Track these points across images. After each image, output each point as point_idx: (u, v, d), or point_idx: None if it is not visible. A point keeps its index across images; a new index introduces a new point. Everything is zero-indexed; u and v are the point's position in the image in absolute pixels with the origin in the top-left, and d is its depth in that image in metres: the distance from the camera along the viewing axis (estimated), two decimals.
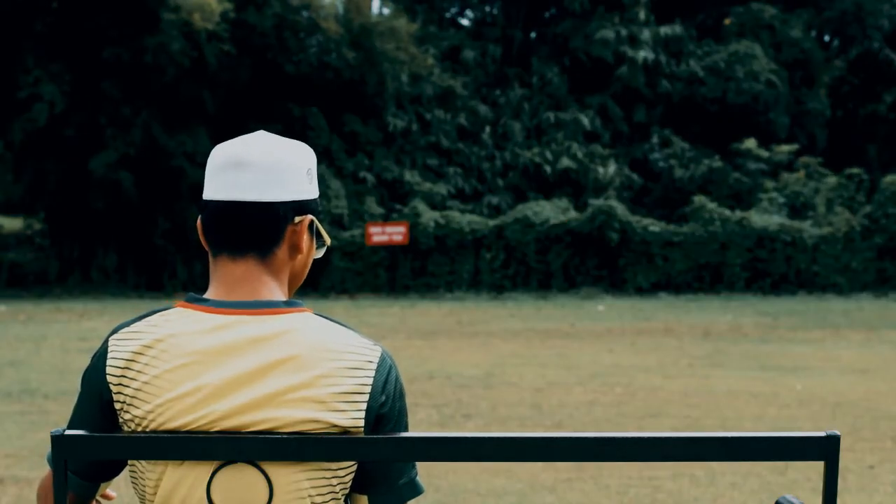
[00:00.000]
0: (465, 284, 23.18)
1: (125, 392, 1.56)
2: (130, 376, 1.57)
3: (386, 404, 1.59)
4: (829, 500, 1.42)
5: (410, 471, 1.65)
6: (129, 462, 1.62)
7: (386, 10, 29.04)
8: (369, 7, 25.45)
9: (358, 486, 1.62)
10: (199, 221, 1.71)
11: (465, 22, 31.39)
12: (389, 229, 22.67)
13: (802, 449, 1.44)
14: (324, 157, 23.81)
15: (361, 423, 1.56)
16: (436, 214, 23.39)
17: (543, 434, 1.49)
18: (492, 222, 23.53)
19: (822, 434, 1.42)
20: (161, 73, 21.53)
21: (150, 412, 1.54)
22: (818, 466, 1.42)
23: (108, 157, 21.52)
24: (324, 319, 1.63)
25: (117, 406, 1.57)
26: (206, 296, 1.65)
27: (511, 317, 17.33)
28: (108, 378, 1.58)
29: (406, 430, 1.64)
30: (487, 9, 31.14)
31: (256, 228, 1.64)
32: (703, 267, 23.10)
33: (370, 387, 1.57)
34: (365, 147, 25.22)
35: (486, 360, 11.25)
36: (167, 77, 21.50)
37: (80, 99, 21.65)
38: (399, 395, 1.64)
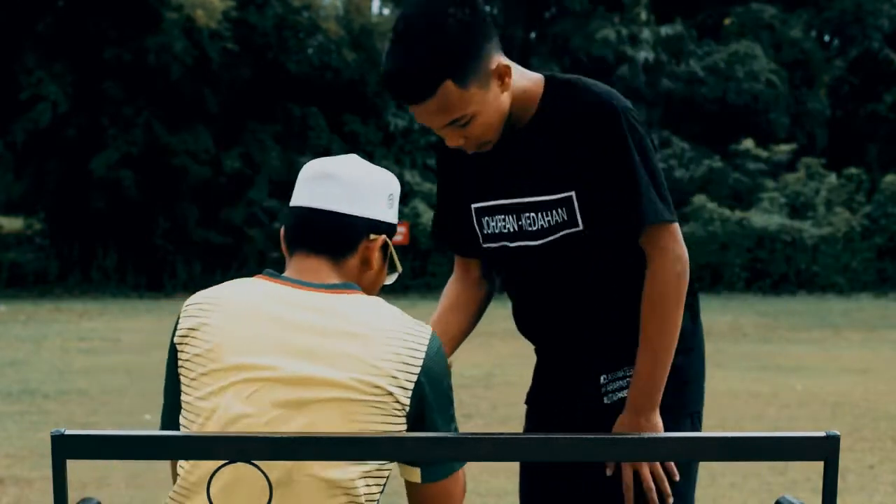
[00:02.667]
0: None
1: (187, 336, 1.71)
2: (195, 323, 1.72)
3: (434, 379, 1.70)
4: (829, 500, 1.43)
5: None
6: (183, 409, 1.72)
7: (386, 11, 29.04)
8: (369, 8, 25.45)
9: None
10: (282, 230, 1.88)
11: None
12: None
13: (802, 449, 1.44)
14: (324, 158, 23.83)
15: (409, 392, 1.66)
16: None
17: (543, 434, 1.50)
18: None
19: (822, 434, 1.42)
20: (164, 72, 21.53)
21: (209, 351, 1.67)
22: (818, 466, 1.42)
23: (110, 156, 21.51)
24: (380, 300, 1.80)
25: (179, 350, 1.72)
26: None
27: (511, 317, 17.33)
28: (177, 328, 1.74)
29: (451, 405, 1.77)
30: (487, 9, 31.01)
31: (333, 234, 1.80)
32: (703, 267, 23.10)
33: (422, 360, 1.69)
34: (365, 147, 25.22)
35: (486, 360, 11.26)
36: (171, 76, 21.49)
37: (82, 99, 21.65)
38: (446, 373, 1.76)
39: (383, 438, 1.52)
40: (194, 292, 1.82)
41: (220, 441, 1.49)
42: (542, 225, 2.20)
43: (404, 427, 1.67)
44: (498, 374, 10.22)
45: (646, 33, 27.78)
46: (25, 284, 22.45)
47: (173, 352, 1.73)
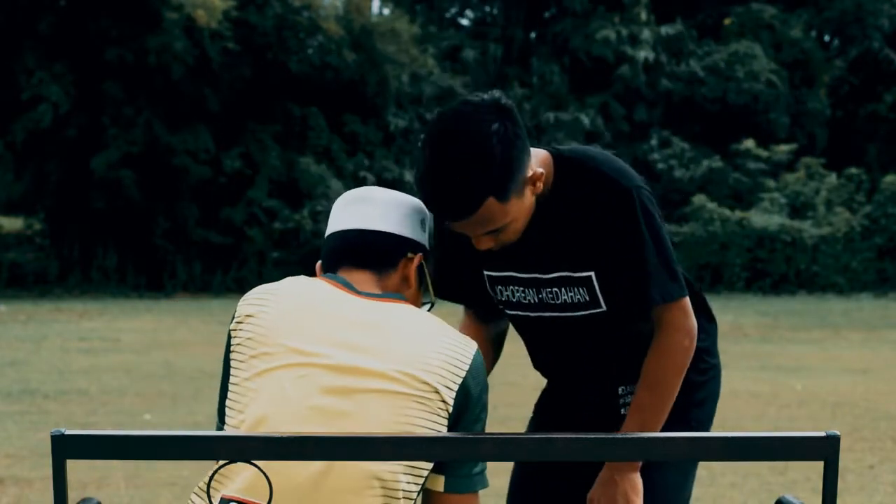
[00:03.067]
0: None
1: (242, 322, 1.77)
2: (252, 310, 1.77)
3: (477, 386, 1.75)
4: (829, 500, 1.43)
5: (483, 463, 1.81)
6: (230, 391, 1.75)
7: (386, 11, 29.04)
8: (369, 8, 25.45)
9: (438, 466, 1.76)
10: (318, 266, 1.93)
11: (465, 22, 31.39)
12: None
13: (802, 449, 1.44)
14: (324, 157, 23.82)
15: (454, 393, 1.70)
16: None
17: (543, 434, 1.50)
18: None
19: (822, 434, 1.42)
20: (164, 72, 21.53)
21: (262, 335, 1.72)
22: (818, 466, 1.43)
23: (110, 156, 21.51)
24: (428, 313, 1.85)
25: (233, 335, 1.77)
26: None
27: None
28: (234, 316, 1.79)
29: (485, 418, 1.81)
30: (487, 9, 31.14)
31: (376, 250, 1.87)
32: (703, 267, 23.09)
33: (468, 366, 1.74)
34: (365, 147, 25.22)
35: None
36: (173, 76, 21.49)
37: (82, 99, 21.65)
38: (487, 391, 1.81)
39: (383, 438, 1.52)
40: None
41: (220, 441, 1.49)
42: (565, 300, 2.26)
43: (445, 427, 1.70)
44: (498, 374, 10.14)
45: (646, 33, 27.77)
46: (25, 284, 22.45)
47: (228, 339, 1.78)
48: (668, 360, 2.18)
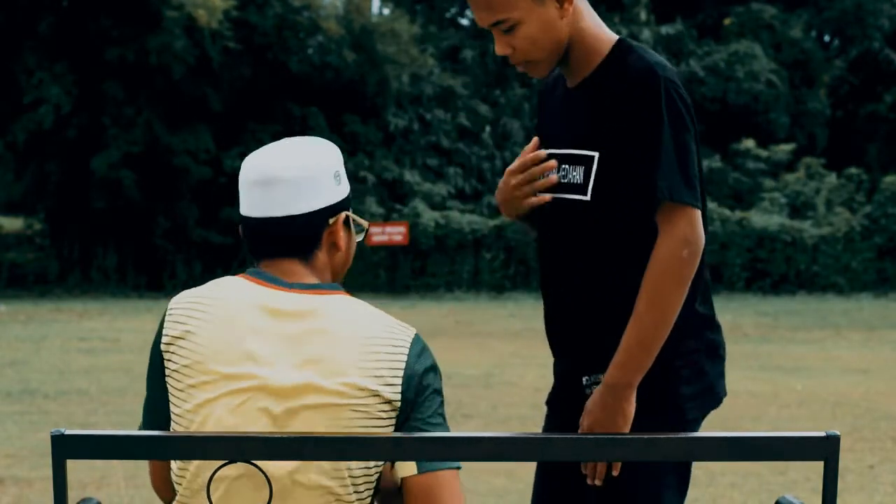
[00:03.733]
0: (465, 284, 23.18)
1: (173, 345, 1.69)
2: (181, 331, 1.69)
3: (422, 378, 1.69)
4: (829, 500, 1.43)
5: None
6: (174, 421, 1.70)
7: (386, 11, 29.03)
8: (369, 8, 25.44)
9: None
10: (240, 229, 1.83)
11: (464, 22, 31.38)
12: (389, 229, 22.66)
13: (802, 449, 1.44)
14: None
15: (399, 394, 1.65)
16: (436, 214, 23.39)
17: (543, 434, 1.50)
18: (492, 222, 23.53)
19: (822, 434, 1.43)
20: (165, 72, 21.53)
21: (197, 363, 1.65)
22: (818, 466, 1.42)
23: (111, 156, 21.51)
24: (362, 302, 1.75)
25: (165, 358, 1.69)
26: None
27: (511, 317, 17.33)
28: (163, 334, 1.72)
29: (441, 405, 1.73)
30: None
31: (292, 239, 1.74)
32: None
33: (406, 355, 1.67)
34: (365, 147, 25.21)
35: (486, 360, 11.25)
36: (174, 75, 21.48)
37: (83, 100, 21.65)
38: (434, 372, 1.73)
39: (382, 438, 1.52)
40: None
41: (219, 441, 1.49)
42: (569, 180, 2.18)
43: (391, 428, 1.66)
44: (497, 374, 10.22)
45: (646, 33, 27.78)
46: (25, 284, 22.45)
47: (159, 358, 1.70)
48: (665, 265, 2.02)
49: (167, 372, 1.68)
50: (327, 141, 1.82)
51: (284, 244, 1.74)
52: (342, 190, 1.78)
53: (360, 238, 1.85)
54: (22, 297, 20.72)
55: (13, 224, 26.95)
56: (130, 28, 21.44)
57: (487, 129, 27.07)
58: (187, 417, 1.66)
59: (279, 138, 1.90)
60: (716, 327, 2.25)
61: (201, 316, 1.68)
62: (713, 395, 2.23)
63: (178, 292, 1.84)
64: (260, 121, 23.61)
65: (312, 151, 1.76)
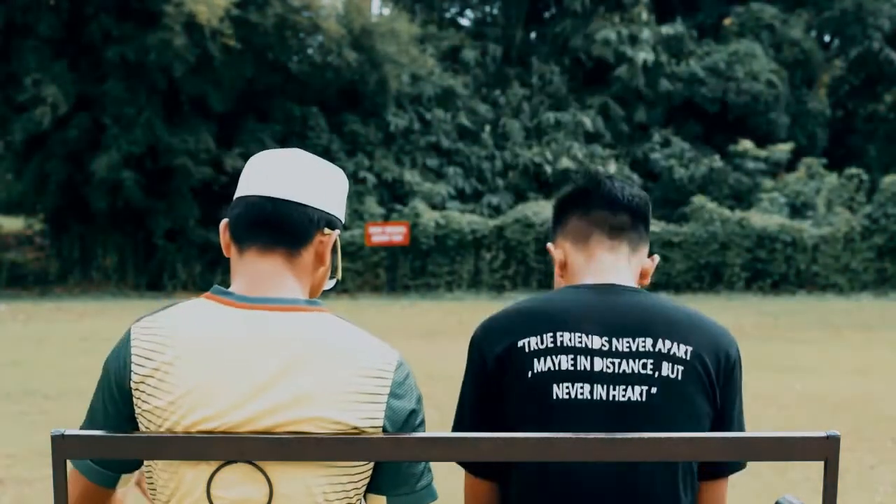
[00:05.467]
0: (465, 284, 23.19)
1: (144, 383, 1.59)
2: (150, 368, 1.60)
3: (404, 408, 1.63)
4: (829, 500, 1.43)
5: (427, 475, 1.68)
6: (147, 472, 1.65)
7: (386, 11, 29.03)
8: (369, 8, 25.44)
9: (375, 486, 1.65)
10: (223, 223, 1.75)
11: (465, 22, 31.39)
12: (389, 229, 22.66)
13: (802, 449, 1.44)
14: (324, 157, 23.66)
15: (380, 424, 1.59)
16: (436, 214, 23.39)
17: (543, 434, 1.49)
18: (492, 222, 23.53)
19: (822, 434, 1.42)
20: (165, 70, 21.52)
21: (171, 403, 1.57)
22: (818, 466, 1.42)
23: (111, 156, 21.50)
24: (343, 321, 1.67)
25: (135, 395, 1.60)
26: (230, 290, 1.68)
27: None
28: (130, 367, 1.61)
29: (423, 421, 1.67)
30: (487, 9, 31.14)
31: (289, 224, 1.69)
32: (704, 267, 23.10)
33: (388, 388, 1.61)
34: (365, 147, 25.22)
35: None
36: (174, 73, 21.47)
37: (83, 99, 21.64)
38: (416, 399, 1.67)
39: (382, 439, 1.52)
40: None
41: (219, 441, 1.49)
42: None
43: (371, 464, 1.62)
44: None
45: (646, 33, 27.78)
46: (25, 284, 22.46)
47: (128, 394, 1.60)
48: None
49: (137, 411, 1.60)
50: None
51: (278, 229, 1.68)
52: (342, 214, 1.78)
53: (328, 286, 1.80)
54: (22, 297, 20.72)
55: (13, 224, 26.96)
56: (130, 26, 21.44)
57: (487, 129, 27.07)
58: (159, 475, 1.60)
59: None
60: None
61: (169, 352, 1.59)
62: None
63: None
64: (260, 120, 23.62)
65: (325, 163, 1.78)
